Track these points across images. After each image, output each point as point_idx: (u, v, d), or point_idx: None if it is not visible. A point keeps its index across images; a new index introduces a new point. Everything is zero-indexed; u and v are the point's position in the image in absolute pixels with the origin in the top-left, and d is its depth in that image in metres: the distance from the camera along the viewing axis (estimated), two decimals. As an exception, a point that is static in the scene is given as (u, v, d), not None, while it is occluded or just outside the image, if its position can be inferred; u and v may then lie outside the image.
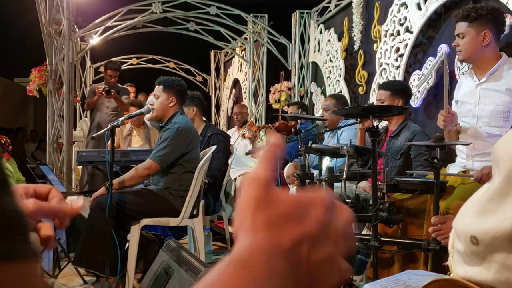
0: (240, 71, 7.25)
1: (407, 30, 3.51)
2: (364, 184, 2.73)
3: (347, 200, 2.36)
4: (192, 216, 2.78)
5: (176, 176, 2.76)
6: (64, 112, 4.52)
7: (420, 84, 3.32)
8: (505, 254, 0.39)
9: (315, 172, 2.41)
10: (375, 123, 1.93)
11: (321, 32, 5.21)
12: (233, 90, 7.78)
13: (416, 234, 2.12)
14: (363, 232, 2.55)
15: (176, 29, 5.43)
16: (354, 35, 4.25)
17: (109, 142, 2.54)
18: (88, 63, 7.63)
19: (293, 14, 5.69)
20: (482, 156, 2.14)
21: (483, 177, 1.99)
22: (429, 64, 3.24)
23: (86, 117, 6.65)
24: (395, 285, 1.27)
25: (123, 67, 6.14)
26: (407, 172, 2.48)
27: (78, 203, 0.53)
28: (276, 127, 4.48)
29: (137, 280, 2.72)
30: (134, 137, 4.62)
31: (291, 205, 0.34)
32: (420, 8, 3.35)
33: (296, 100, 5.58)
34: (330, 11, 5.04)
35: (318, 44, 5.30)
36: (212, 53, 8.56)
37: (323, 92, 5.13)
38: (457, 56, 2.84)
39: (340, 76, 4.66)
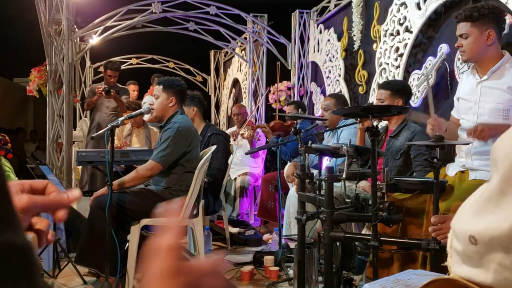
0: (240, 71, 7.25)
1: (407, 29, 3.51)
2: (364, 184, 2.73)
3: (347, 200, 2.36)
4: (192, 216, 2.78)
5: (176, 176, 2.76)
6: (64, 112, 4.52)
7: (420, 84, 3.32)
8: (503, 254, 0.39)
9: (315, 172, 2.41)
10: (375, 123, 1.93)
11: (320, 32, 5.21)
12: (233, 90, 7.78)
13: (415, 233, 2.12)
14: (363, 232, 2.55)
15: (175, 29, 5.43)
16: (354, 35, 4.26)
17: (110, 142, 2.54)
18: (88, 63, 7.63)
19: (292, 14, 5.70)
20: (481, 154, 2.14)
21: (477, 134, 1.99)
22: (429, 64, 3.24)
23: (85, 117, 6.65)
24: (395, 285, 1.27)
25: (122, 67, 6.14)
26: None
27: (74, 194, 0.52)
28: (271, 126, 4.48)
29: (137, 280, 2.72)
30: (134, 137, 4.62)
31: (193, 275, 0.42)
32: (419, 8, 3.35)
33: (296, 100, 5.59)
34: (329, 11, 5.04)
35: (318, 44, 5.30)
36: (212, 53, 8.57)
37: (323, 92, 5.13)
38: (460, 57, 2.84)
39: (339, 76, 4.67)
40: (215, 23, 5.44)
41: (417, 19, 3.38)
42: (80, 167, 5.06)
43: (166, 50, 8.15)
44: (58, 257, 2.92)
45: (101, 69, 6.74)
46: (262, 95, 6.21)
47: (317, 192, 2.19)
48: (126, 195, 2.63)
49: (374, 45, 3.97)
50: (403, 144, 2.68)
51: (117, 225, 2.53)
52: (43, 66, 4.73)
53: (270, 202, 4.10)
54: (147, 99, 5.23)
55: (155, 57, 8.17)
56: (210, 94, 8.63)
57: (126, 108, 4.58)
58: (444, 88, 3.12)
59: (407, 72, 3.55)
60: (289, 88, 5.68)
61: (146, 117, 4.34)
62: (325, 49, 5.08)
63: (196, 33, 5.57)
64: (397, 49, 3.63)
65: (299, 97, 5.66)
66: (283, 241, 3.19)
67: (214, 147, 3.08)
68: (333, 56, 4.85)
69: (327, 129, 3.42)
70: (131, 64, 7.98)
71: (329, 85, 4.96)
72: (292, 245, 3.24)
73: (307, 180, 2.26)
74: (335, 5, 4.88)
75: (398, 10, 3.61)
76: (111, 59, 5.68)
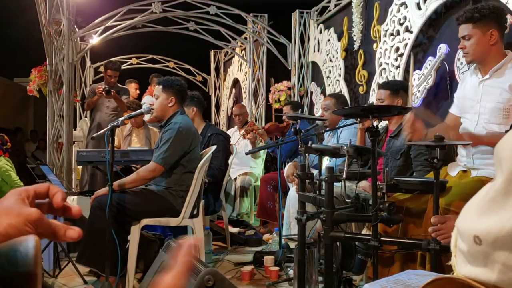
0: (240, 70, 7.25)
1: (407, 29, 3.51)
2: (364, 184, 2.73)
3: (347, 200, 2.36)
4: (192, 216, 2.78)
5: (177, 176, 2.76)
6: (64, 112, 4.52)
7: (420, 84, 3.32)
8: (508, 254, 0.39)
9: (315, 172, 2.41)
10: (375, 123, 1.93)
11: (320, 32, 5.21)
12: (233, 90, 7.78)
13: (416, 234, 2.12)
14: (363, 232, 2.55)
15: (176, 29, 5.43)
16: (354, 35, 4.26)
17: (110, 142, 2.54)
18: (88, 63, 7.63)
19: (292, 13, 5.70)
20: (482, 153, 2.14)
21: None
22: (429, 64, 3.24)
23: (86, 117, 6.65)
24: (395, 285, 1.27)
25: (123, 67, 6.14)
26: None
27: (71, 233, 0.53)
28: (266, 129, 4.49)
29: (137, 280, 2.72)
30: (134, 137, 4.62)
31: None
32: (419, 8, 3.35)
33: (296, 100, 5.59)
34: (329, 10, 5.04)
35: (318, 43, 5.30)
36: (212, 52, 8.57)
37: (323, 92, 5.13)
38: (460, 57, 2.84)
39: (340, 75, 4.67)
40: (215, 23, 5.44)
41: (417, 19, 3.38)
42: (80, 167, 5.05)
43: (166, 50, 8.15)
44: (59, 257, 2.92)
45: (102, 69, 6.73)
46: (262, 95, 6.21)
47: (317, 192, 2.19)
48: (126, 195, 2.63)
49: (374, 45, 3.97)
50: (403, 144, 2.68)
51: (117, 225, 2.53)
52: (44, 66, 4.73)
53: (269, 202, 4.10)
54: (147, 99, 5.24)
55: (155, 57, 8.17)
56: (210, 94, 8.63)
57: (127, 108, 4.59)
58: (443, 88, 3.12)
59: (407, 72, 3.55)
60: (289, 88, 5.68)
61: (146, 117, 4.34)
62: (325, 49, 5.08)
63: (196, 33, 5.57)
64: (397, 49, 3.63)
65: (299, 97, 5.66)
66: (283, 241, 3.20)
67: (214, 147, 3.08)
68: (333, 56, 4.85)
69: (327, 129, 3.42)
70: (131, 64, 7.98)
71: (329, 85, 4.96)
72: (292, 245, 3.24)
73: (307, 180, 2.26)
74: (335, 5, 4.88)
75: (398, 10, 3.61)
76: (112, 59, 5.67)
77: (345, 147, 2.00)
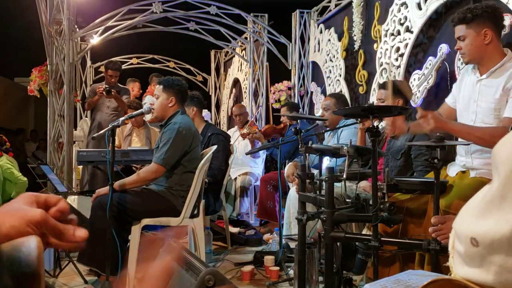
0: (240, 70, 7.26)
1: (408, 29, 3.52)
2: (365, 184, 2.74)
3: (347, 200, 2.36)
4: (193, 216, 2.78)
5: (177, 176, 2.76)
6: (65, 112, 4.52)
7: (420, 84, 3.32)
8: (504, 256, 0.40)
9: (315, 172, 2.41)
10: (375, 123, 1.93)
11: (321, 32, 5.21)
12: (233, 90, 7.79)
13: (416, 234, 2.12)
14: (363, 232, 2.55)
15: (176, 29, 5.43)
16: (354, 35, 4.26)
17: (111, 142, 2.54)
18: (89, 63, 7.64)
19: (293, 13, 5.70)
20: (481, 152, 2.13)
21: (422, 119, 2.04)
22: (430, 64, 3.25)
23: (86, 117, 6.65)
24: (396, 285, 1.27)
25: (123, 66, 6.14)
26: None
27: (81, 234, 0.52)
28: (263, 131, 4.49)
29: (138, 279, 2.72)
30: (134, 137, 4.63)
31: None
32: (420, 8, 3.36)
33: (296, 100, 5.59)
34: (330, 10, 5.04)
35: (318, 43, 5.30)
36: (212, 52, 8.57)
37: (323, 92, 5.13)
38: (461, 59, 2.84)
39: (340, 75, 4.67)
40: (216, 23, 5.45)
41: (417, 19, 3.38)
42: (80, 166, 5.06)
43: (166, 50, 8.15)
44: (59, 257, 2.93)
45: (102, 69, 6.74)
46: (262, 95, 6.21)
47: (318, 192, 2.19)
48: (127, 195, 2.63)
49: (375, 45, 3.97)
50: (403, 144, 2.68)
51: (118, 225, 2.53)
52: (44, 66, 4.73)
53: (269, 202, 4.10)
54: (148, 99, 5.24)
55: (155, 57, 8.18)
56: (210, 94, 8.63)
57: (128, 107, 4.59)
58: (444, 88, 3.12)
59: (408, 72, 3.55)
60: (289, 88, 5.68)
61: (147, 117, 4.35)
62: (325, 49, 5.08)
63: (197, 33, 5.57)
64: (398, 49, 3.63)
65: (299, 97, 5.66)
66: (283, 241, 3.20)
67: (214, 147, 3.08)
68: (334, 56, 4.85)
69: (327, 129, 3.43)
70: (131, 64, 7.98)
71: (329, 85, 4.96)
72: (292, 245, 3.25)
73: (307, 180, 2.26)
74: (336, 5, 4.89)
75: (399, 10, 3.61)
76: (112, 59, 5.68)
77: (346, 147, 2.00)
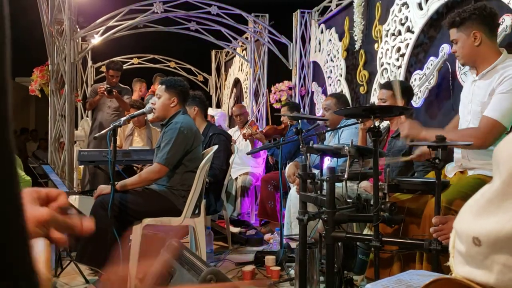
0: (241, 70, 7.26)
1: (408, 30, 3.51)
2: (366, 184, 2.74)
3: (348, 200, 2.36)
4: (194, 215, 2.79)
5: (178, 176, 2.77)
6: (66, 112, 4.53)
7: (421, 84, 3.32)
8: (508, 255, 0.40)
9: (316, 172, 2.41)
10: (377, 123, 1.93)
11: (322, 32, 5.21)
12: (234, 90, 7.79)
13: (417, 234, 2.12)
14: (364, 232, 2.55)
15: (177, 29, 5.44)
16: (355, 35, 4.26)
17: (112, 142, 2.55)
18: (90, 63, 7.64)
19: (294, 13, 5.70)
20: (478, 153, 2.14)
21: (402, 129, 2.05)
22: (431, 64, 3.24)
23: (87, 116, 6.66)
24: (397, 285, 1.27)
25: (124, 66, 6.15)
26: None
27: (88, 225, 0.53)
28: (264, 132, 4.49)
29: (139, 279, 2.72)
30: (136, 137, 4.63)
31: None
32: (421, 8, 3.35)
33: (297, 100, 5.59)
34: (331, 10, 5.04)
35: (319, 43, 5.30)
36: (213, 52, 8.57)
37: (324, 92, 5.13)
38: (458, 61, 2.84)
39: (341, 75, 4.67)
40: (217, 23, 5.45)
41: (418, 19, 3.38)
42: (82, 166, 5.06)
43: (167, 50, 8.15)
44: (60, 256, 2.93)
45: (103, 69, 6.74)
46: (263, 95, 6.21)
47: (319, 192, 2.20)
48: (128, 194, 2.64)
49: (376, 45, 3.97)
50: (404, 145, 2.68)
51: (119, 225, 2.54)
52: (45, 66, 4.74)
53: (269, 202, 4.10)
54: (153, 99, 5.24)
55: (156, 57, 8.18)
56: (211, 94, 8.63)
57: (130, 107, 4.59)
58: (446, 88, 3.12)
59: (409, 72, 3.55)
60: (290, 88, 5.68)
61: (149, 117, 4.35)
62: (326, 49, 5.08)
63: (198, 33, 5.57)
64: (399, 49, 3.63)
65: (300, 97, 5.66)
66: (284, 241, 3.20)
67: (216, 147, 3.08)
68: (334, 56, 4.85)
69: (328, 129, 3.43)
70: (132, 64, 7.99)
71: (330, 85, 4.96)
72: (293, 245, 3.25)
73: (308, 180, 2.26)
74: (337, 5, 4.89)
75: (400, 10, 3.61)
76: (113, 59, 5.68)
77: (347, 147, 2.01)
